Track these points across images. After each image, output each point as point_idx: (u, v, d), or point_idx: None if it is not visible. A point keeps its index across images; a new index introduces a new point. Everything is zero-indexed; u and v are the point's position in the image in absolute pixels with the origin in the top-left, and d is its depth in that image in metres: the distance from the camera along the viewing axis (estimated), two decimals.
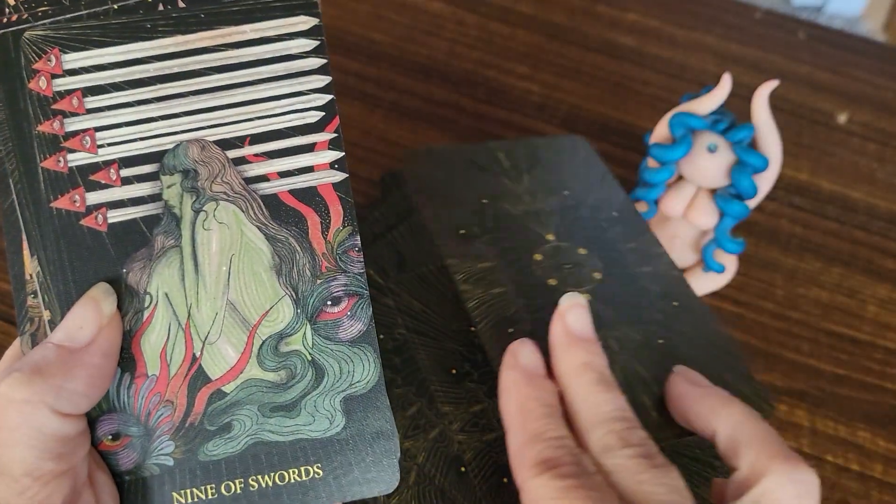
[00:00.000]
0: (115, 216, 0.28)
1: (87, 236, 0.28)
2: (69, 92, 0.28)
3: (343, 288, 0.29)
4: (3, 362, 0.31)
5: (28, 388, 0.24)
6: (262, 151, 0.29)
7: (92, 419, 0.27)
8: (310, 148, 0.29)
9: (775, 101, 0.45)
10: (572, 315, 0.30)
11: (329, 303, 0.28)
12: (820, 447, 0.45)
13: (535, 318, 0.35)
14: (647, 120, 0.58)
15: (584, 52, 0.62)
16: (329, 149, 0.29)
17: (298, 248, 0.28)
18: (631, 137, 0.57)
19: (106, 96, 0.28)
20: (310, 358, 0.28)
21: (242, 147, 0.29)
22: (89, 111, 0.28)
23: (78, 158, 0.28)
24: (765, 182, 0.46)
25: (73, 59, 0.28)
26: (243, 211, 0.28)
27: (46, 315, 0.28)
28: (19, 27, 0.28)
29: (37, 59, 0.28)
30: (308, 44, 0.29)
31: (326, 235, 0.29)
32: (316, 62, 0.29)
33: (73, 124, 0.28)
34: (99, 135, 0.28)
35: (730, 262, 0.49)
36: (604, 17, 0.65)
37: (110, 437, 0.27)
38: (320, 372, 0.28)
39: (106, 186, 0.28)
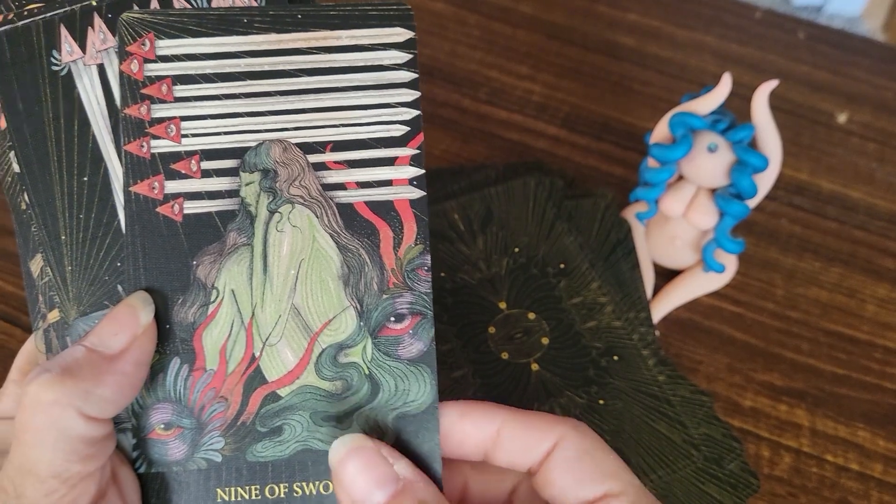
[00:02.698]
0: (192, 207, 0.28)
1: (162, 224, 0.28)
2: (160, 78, 0.28)
3: (408, 306, 0.28)
4: (19, 357, 0.32)
5: (58, 390, 0.24)
6: (342, 159, 0.28)
7: (146, 406, 0.27)
8: (391, 161, 0.28)
9: (775, 101, 0.45)
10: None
11: (392, 319, 0.28)
12: (820, 447, 0.45)
13: (491, 398, 0.38)
14: (647, 120, 0.58)
15: (584, 53, 0.62)
16: (410, 164, 0.28)
17: (368, 261, 0.28)
18: (631, 137, 0.57)
19: (195, 86, 0.28)
20: (367, 372, 0.28)
21: (324, 153, 0.28)
22: (177, 99, 0.28)
23: (161, 146, 0.28)
24: (765, 182, 0.46)
25: (167, 46, 0.28)
26: (318, 217, 0.28)
27: (52, 317, 0.28)
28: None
29: (132, 41, 0.28)
30: (401, 56, 0.29)
31: (397, 251, 0.28)
32: (407, 76, 0.29)
33: (159, 111, 0.28)
34: (184, 124, 0.28)
35: (730, 262, 0.49)
36: (604, 18, 0.65)
37: (163, 425, 0.27)
38: (376, 387, 0.28)
39: (185, 177, 0.28)
